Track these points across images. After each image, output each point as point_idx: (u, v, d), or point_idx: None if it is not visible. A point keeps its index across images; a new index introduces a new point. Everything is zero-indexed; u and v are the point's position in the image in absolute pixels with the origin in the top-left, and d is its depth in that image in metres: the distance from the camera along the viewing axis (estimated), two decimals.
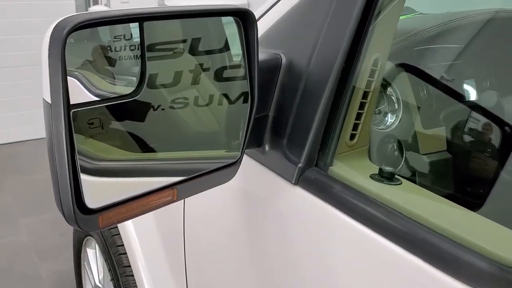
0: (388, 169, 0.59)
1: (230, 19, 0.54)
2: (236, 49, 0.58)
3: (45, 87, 0.38)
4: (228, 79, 0.59)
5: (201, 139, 0.56)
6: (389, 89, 0.78)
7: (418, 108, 0.80)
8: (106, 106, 0.42)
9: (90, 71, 0.46)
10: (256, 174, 0.68)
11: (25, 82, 3.69)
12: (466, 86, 0.81)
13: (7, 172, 3.33)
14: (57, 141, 0.39)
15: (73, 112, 0.39)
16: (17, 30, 3.59)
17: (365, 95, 0.62)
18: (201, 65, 0.55)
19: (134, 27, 0.50)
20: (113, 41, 0.49)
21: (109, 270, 1.34)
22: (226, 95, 0.59)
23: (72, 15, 0.39)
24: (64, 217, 0.42)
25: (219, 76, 0.58)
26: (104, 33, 0.48)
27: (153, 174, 0.49)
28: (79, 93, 0.43)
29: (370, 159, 0.66)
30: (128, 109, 0.44)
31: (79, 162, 0.40)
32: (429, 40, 0.84)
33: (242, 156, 0.58)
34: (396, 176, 0.59)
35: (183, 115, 0.54)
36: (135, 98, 0.43)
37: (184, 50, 0.53)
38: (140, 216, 1.13)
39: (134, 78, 0.49)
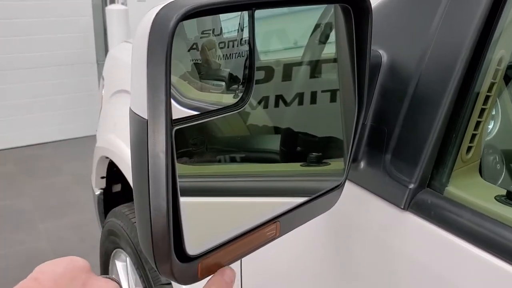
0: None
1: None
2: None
3: (137, 97, 0.28)
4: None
5: (304, 152, 0.45)
6: None
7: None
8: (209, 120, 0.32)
9: (178, 76, 0.36)
10: (349, 196, 0.57)
11: (43, 84, 3.62)
12: None
13: (25, 175, 3.26)
14: (154, 170, 0.28)
15: (175, 130, 0.28)
16: (34, 30, 3.52)
17: (485, 100, 0.51)
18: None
19: (224, 19, 0.40)
20: (200, 38, 0.38)
21: (144, 286, 1.24)
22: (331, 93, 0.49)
23: (173, 1, 0.29)
24: (157, 269, 0.32)
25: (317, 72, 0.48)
26: (191, 28, 0.38)
27: (247, 193, 0.39)
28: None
29: (484, 178, 0.56)
30: (233, 122, 0.34)
31: (180, 201, 0.29)
32: None
33: (347, 177, 0.48)
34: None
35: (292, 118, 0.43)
36: (243, 108, 0.33)
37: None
38: None
39: (224, 83, 0.38)
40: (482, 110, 0.52)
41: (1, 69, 3.48)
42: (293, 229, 0.42)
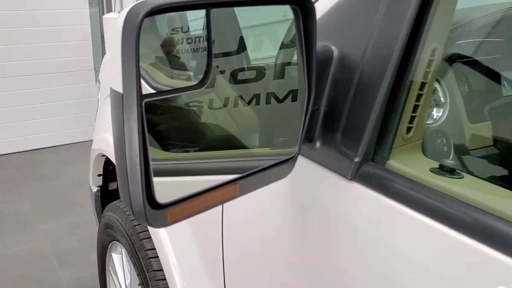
0: (449, 162, 0.57)
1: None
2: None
3: (115, 76, 0.37)
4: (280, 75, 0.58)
5: (258, 138, 0.54)
6: (435, 83, 0.76)
7: (464, 101, 0.78)
8: (174, 97, 0.40)
9: (150, 64, 0.45)
10: (306, 171, 0.66)
11: (43, 90, 3.72)
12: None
13: (25, 179, 3.34)
14: (129, 133, 0.37)
15: (145, 102, 0.37)
16: (34, 38, 3.62)
17: (422, 86, 0.60)
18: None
19: (191, 20, 0.49)
20: (171, 34, 0.47)
21: (138, 274, 1.32)
22: (273, 94, 0.58)
23: (143, 0, 0.37)
24: (133, 212, 0.40)
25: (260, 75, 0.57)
26: (163, 25, 0.47)
27: (215, 172, 0.47)
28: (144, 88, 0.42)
29: (425, 155, 0.64)
30: (195, 102, 0.42)
31: (151, 155, 0.38)
32: (474, 32, 0.82)
33: (299, 151, 0.56)
34: (457, 170, 0.57)
35: (239, 114, 0.52)
36: (203, 87, 0.41)
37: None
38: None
39: (191, 73, 0.47)
40: (419, 95, 0.60)
41: (1, 76, 3.58)
42: (251, 191, 0.50)
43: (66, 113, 3.83)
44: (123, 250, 1.49)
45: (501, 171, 0.76)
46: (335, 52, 0.62)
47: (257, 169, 0.50)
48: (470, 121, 0.80)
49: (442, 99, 0.77)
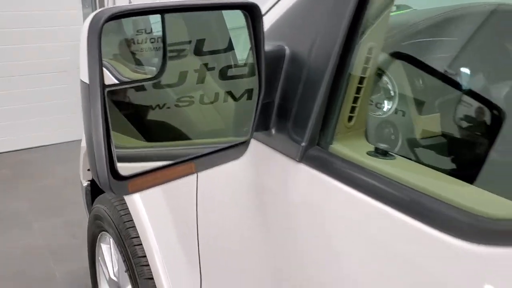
0: (383, 145, 0.65)
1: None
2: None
3: (83, 70, 0.45)
4: (232, 77, 0.66)
5: (213, 132, 0.62)
6: (385, 78, 0.85)
7: (413, 95, 0.86)
8: (133, 88, 0.49)
9: (117, 61, 0.53)
10: (263, 156, 0.74)
11: (37, 90, 3.79)
12: (458, 75, 0.87)
13: (20, 178, 3.41)
14: (94, 116, 0.45)
15: (107, 91, 0.45)
16: (29, 39, 3.69)
17: (361, 80, 0.68)
18: (206, 65, 0.62)
19: (154, 22, 0.57)
20: (136, 35, 0.55)
21: (124, 261, 1.40)
22: (230, 93, 0.66)
23: (106, 8, 0.46)
24: (99, 183, 0.49)
25: (224, 75, 0.65)
26: (128, 27, 0.55)
27: (173, 158, 0.56)
28: (109, 80, 0.50)
29: (368, 142, 0.72)
30: (151, 94, 0.51)
31: (113, 134, 0.46)
32: (422, 32, 0.90)
33: (251, 136, 0.65)
34: (390, 153, 0.66)
35: (191, 111, 0.60)
36: (159, 80, 0.50)
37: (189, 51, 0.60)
38: (155, 208, 1.20)
39: (154, 68, 0.56)
40: (359, 88, 0.69)
41: None
42: (206, 169, 0.59)
43: (60, 113, 3.91)
44: (111, 239, 1.57)
45: (443, 158, 0.85)
46: (287, 51, 0.71)
47: (212, 150, 0.58)
48: (419, 113, 0.88)
49: (392, 92, 0.86)
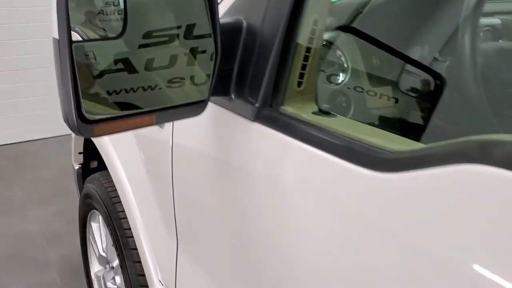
0: (326, 106, 0.74)
1: None
2: None
3: (54, 28, 0.54)
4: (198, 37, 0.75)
5: (174, 89, 0.71)
6: (338, 51, 0.93)
7: (365, 67, 0.95)
8: (97, 43, 0.58)
9: (88, 28, 0.62)
10: (225, 119, 0.83)
11: (33, 84, 3.88)
12: (404, 47, 0.96)
13: (16, 169, 3.50)
14: (63, 67, 0.54)
15: (74, 45, 0.54)
16: (24, 34, 3.78)
17: (308, 50, 0.77)
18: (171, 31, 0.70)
19: None
20: (105, 6, 0.64)
21: (111, 235, 1.49)
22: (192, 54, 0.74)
23: None
24: (69, 126, 0.57)
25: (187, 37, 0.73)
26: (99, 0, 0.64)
27: (136, 109, 0.64)
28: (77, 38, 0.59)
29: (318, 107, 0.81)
30: (112, 49, 0.60)
31: (80, 84, 0.55)
32: (370, 8, 0.99)
33: (209, 95, 0.73)
34: (332, 113, 0.75)
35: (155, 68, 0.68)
36: (120, 38, 0.58)
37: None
38: (138, 182, 1.29)
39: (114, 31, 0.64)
40: (307, 57, 0.78)
41: None
42: (166, 122, 0.67)
43: (56, 106, 3.99)
44: (100, 217, 1.66)
45: (389, 124, 0.94)
46: (244, 23, 0.80)
47: (172, 105, 0.67)
48: (370, 83, 0.97)
49: (345, 65, 0.95)
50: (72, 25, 0.57)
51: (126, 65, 0.59)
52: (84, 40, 0.57)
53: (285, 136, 0.72)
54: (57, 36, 0.54)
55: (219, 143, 0.85)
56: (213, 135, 0.87)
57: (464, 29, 0.86)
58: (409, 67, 0.92)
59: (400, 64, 0.95)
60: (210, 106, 0.86)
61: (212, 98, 0.84)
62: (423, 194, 0.50)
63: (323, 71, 0.92)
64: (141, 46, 0.62)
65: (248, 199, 0.80)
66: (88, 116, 0.57)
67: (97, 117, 0.58)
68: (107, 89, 0.58)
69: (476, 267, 0.43)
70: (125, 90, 0.60)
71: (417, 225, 0.50)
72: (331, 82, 0.94)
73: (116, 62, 0.58)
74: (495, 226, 0.43)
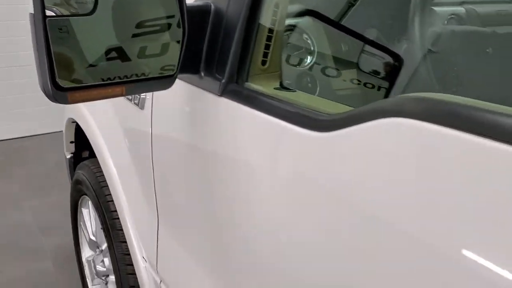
0: (287, 82, 0.81)
1: None
2: None
3: (30, 5, 0.61)
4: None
5: (144, 62, 0.78)
6: (304, 35, 1.00)
7: (330, 50, 1.02)
8: (70, 19, 0.64)
9: (63, 8, 0.69)
10: (195, 96, 0.90)
11: (29, 81, 3.94)
12: (366, 30, 1.03)
13: (12, 163, 3.56)
14: (38, 39, 0.61)
15: (48, 20, 0.61)
16: (23, 32, 3.85)
17: (271, 31, 0.84)
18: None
19: None
20: None
21: (99, 216, 1.56)
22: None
23: None
24: (45, 93, 0.64)
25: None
26: None
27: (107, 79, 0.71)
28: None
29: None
30: (84, 25, 0.66)
31: (53, 55, 0.62)
32: None
33: (177, 71, 0.80)
34: (291, 88, 0.82)
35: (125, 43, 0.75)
36: (91, 15, 0.65)
37: None
38: (123, 164, 1.35)
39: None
40: (270, 37, 0.84)
41: None
42: (135, 94, 0.73)
43: (51, 103, 4.05)
44: (89, 202, 1.72)
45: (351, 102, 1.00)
46: (212, 7, 0.86)
47: (141, 78, 0.73)
48: (336, 67, 1.04)
49: (312, 47, 1.01)
50: (48, 4, 0.63)
51: (100, 38, 0.66)
52: (57, 16, 0.63)
53: (248, 108, 0.78)
54: (32, 11, 0.60)
55: (190, 118, 0.92)
56: (185, 112, 0.93)
57: (414, 13, 0.93)
58: (370, 49, 0.99)
59: (361, 46, 1.02)
60: (183, 85, 0.93)
61: (184, 77, 0.91)
62: (353, 147, 0.56)
63: (290, 54, 0.99)
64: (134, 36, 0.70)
65: (216, 169, 0.87)
66: (62, 83, 0.63)
67: (71, 85, 0.65)
68: (82, 63, 0.65)
69: (399, 211, 0.50)
70: (98, 61, 0.67)
71: (349, 177, 0.57)
72: (298, 64, 1.00)
73: (89, 35, 0.65)
74: (408, 169, 0.49)
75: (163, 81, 0.78)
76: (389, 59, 0.98)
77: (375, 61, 1.00)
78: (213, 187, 0.89)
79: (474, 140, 0.43)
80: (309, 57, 1.02)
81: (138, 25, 0.73)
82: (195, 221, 1.01)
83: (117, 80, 0.70)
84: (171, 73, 0.78)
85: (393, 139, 0.51)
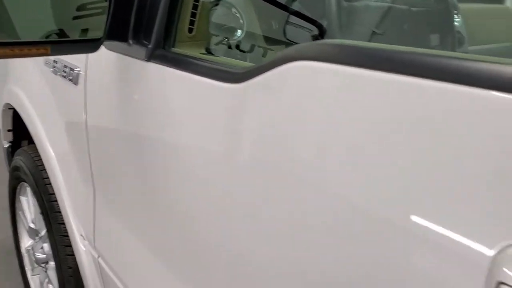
0: (211, 48, 0.86)
1: None
2: None
3: None
4: None
5: (72, 24, 0.80)
6: (233, 9, 1.05)
7: (259, 23, 1.07)
8: None
9: None
10: (124, 63, 0.93)
11: None
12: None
13: None
14: None
15: None
16: None
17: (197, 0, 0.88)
18: None
19: None
20: None
21: (38, 201, 1.54)
22: None
23: None
24: None
25: None
26: None
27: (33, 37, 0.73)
28: None
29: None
30: None
31: None
32: None
33: (104, 36, 0.83)
34: (217, 55, 0.86)
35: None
36: None
37: None
38: (60, 145, 1.36)
39: None
40: (196, 6, 0.89)
41: None
42: (60, 55, 0.76)
43: None
44: (28, 189, 1.70)
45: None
46: None
47: (66, 39, 0.76)
48: (265, 38, 1.09)
49: (241, 21, 1.06)
50: None
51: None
52: None
53: (174, 70, 0.82)
54: None
55: (121, 86, 0.95)
56: (115, 80, 0.96)
57: None
58: (295, 19, 1.05)
59: (287, 17, 1.08)
60: (113, 55, 0.95)
61: (115, 47, 0.93)
62: (262, 93, 0.62)
63: (218, 26, 1.03)
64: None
65: (148, 134, 0.90)
66: None
67: None
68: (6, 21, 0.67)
69: (307, 149, 0.55)
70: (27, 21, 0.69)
71: (260, 122, 0.62)
72: (227, 38, 1.05)
73: None
74: (314, 108, 0.55)
75: (90, 44, 0.80)
76: (314, 28, 1.04)
77: (301, 31, 1.06)
78: (147, 155, 0.92)
79: (351, 71, 0.49)
80: (240, 31, 1.07)
81: None
82: (131, 194, 1.03)
83: (43, 39, 0.72)
84: (98, 37, 0.81)
85: (297, 81, 0.57)
